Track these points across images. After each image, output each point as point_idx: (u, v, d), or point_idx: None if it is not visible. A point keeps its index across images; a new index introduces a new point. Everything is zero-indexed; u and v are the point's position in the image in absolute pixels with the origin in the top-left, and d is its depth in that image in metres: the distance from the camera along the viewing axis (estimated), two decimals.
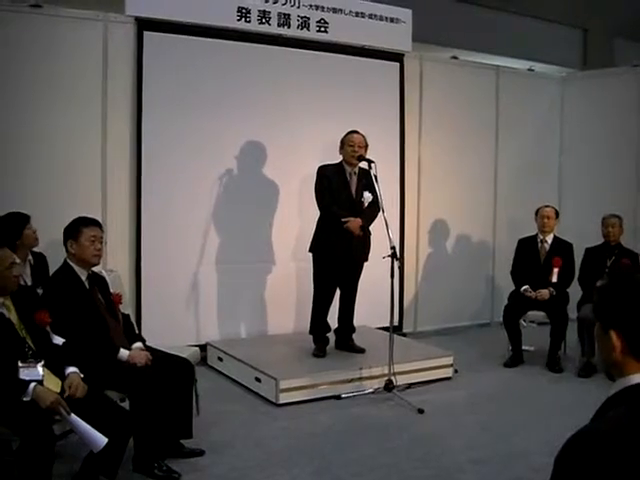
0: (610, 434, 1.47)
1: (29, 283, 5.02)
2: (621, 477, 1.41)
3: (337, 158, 6.22)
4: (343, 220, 5.96)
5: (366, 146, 6.15)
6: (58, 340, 3.94)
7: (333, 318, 6.45)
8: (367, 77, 7.59)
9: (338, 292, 6.40)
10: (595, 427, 1.54)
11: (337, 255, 6.09)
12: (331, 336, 6.46)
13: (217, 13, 6.70)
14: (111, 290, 4.60)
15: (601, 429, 1.51)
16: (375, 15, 7.55)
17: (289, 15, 7.04)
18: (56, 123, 6.19)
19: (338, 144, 6.22)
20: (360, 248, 6.16)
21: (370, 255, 6.24)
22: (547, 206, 7.15)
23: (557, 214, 7.15)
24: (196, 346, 5.83)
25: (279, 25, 7.00)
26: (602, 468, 1.42)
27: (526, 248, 7.13)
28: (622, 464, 1.42)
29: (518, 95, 8.75)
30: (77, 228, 4.31)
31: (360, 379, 5.88)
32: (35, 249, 5.32)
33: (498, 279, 8.48)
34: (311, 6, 7.15)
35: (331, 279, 6.24)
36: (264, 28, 6.93)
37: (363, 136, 6.17)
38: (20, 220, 5.10)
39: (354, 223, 5.98)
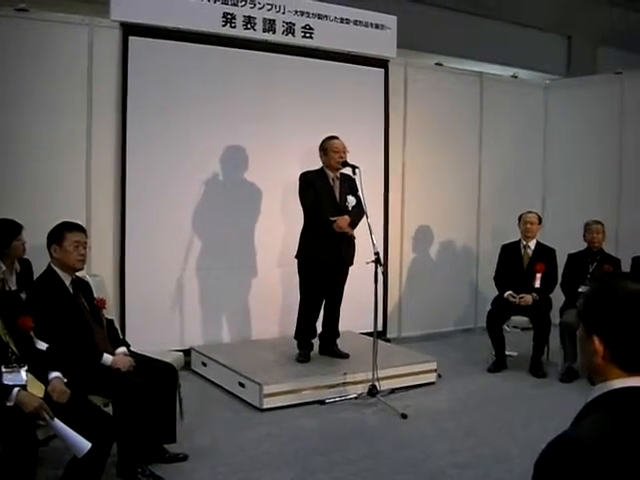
0: (588, 439, 1.48)
1: (14, 289, 5.00)
2: None
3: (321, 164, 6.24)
4: (332, 219, 5.98)
5: None
6: (41, 345, 3.94)
7: (317, 323, 6.46)
8: (352, 83, 7.61)
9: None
10: (573, 432, 1.55)
11: (324, 261, 6.10)
12: (315, 341, 6.47)
13: (202, 18, 6.70)
14: (95, 295, 4.59)
15: (579, 434, 1.52)
16: (360, 21, 7.57)
17: (274, 21, 7.06)
18: (41, 127, 6.17)
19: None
20: (346, 253, 6.18)
21: (354, 260, 6.25)
22: (530, 212, 7.19)
23: (540, 220, 7.19)
24: (180, 351, 5.82)
25: (264, 31, 7.02)
26: (580, 473, 1.44)
27: (509, 254, 7.16)
28: (600, 469, 1.43)
29: (502, 102, 8.80)
30: (61, 233, 4.30)
31: (344, 384, 5.89)
32: None
33: (481, 285, 8.52)
34: (296, 12, 7.17)
35: (318, 285, 6.24)
36: (249, 34, 6.95)
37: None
38: (11, 230, 5.06)
39: (342, 221, 5.99)
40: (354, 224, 6.11)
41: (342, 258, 6.16)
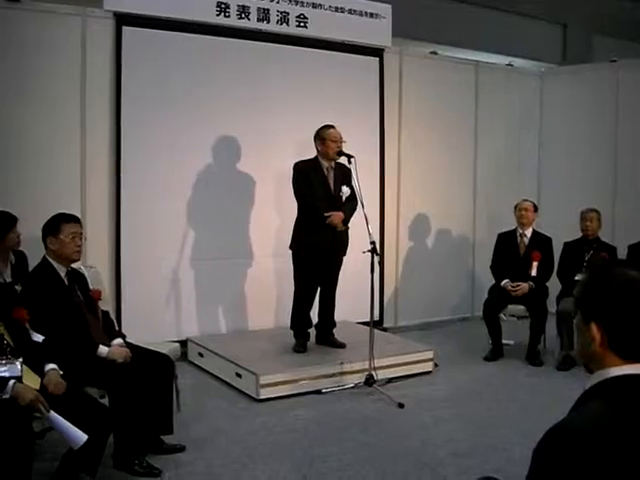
0: (586, 427, 1.48)
1: (9, 281, 4.98)
2: (596, 469, 1.43)
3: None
4: (326, 215, 5.97)
5: None
6: (37, 337, 3.93)
7: (313, 313, 6.45)
8: (347, 72, 7.59)
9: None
10: (572, 420, 1.55)
11: (318, 251, 6.09)
12: (312, 331, 6.47)
13: (196, 8, 6.68)
14: (90, 286, 4.57)
15: (578, 422, 1.52)
16: (355, 10, 7.55)
17: (268, 10, 7.03)
18: (33, 119, 6.14)
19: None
20: (340, 243, 6.17)
21: (350, 250, 6.26)
22: (526, 200, 7.21)
23: (536, 208, 7.19)
24: (176, 342, 5.82)
25: (258, 20, 6.99)
26: (578, 460, 1.44)
27: (505, 242, 7.16)
28: (597, 457, 1.43)
29: (497, 90, 8.78)
30: (57, 224, 4.28)
31: (341, 374, 5.89)
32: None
33: (478, 273, 8.53)
34: (290, 1, 7.14)
35: (312, 275, 6.24)
36: (243, 23, 6.92)
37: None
38: (6, 222, 5.04)
39: (336, 217, 6.00)
40: (347, 220, 6.11)
41: (336, 248, 6.16)
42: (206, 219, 6.93)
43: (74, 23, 6.32)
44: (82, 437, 3.47)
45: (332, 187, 6.14)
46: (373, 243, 5.65)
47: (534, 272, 6.90)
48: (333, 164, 6.19)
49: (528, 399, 5.73)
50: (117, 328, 4.81)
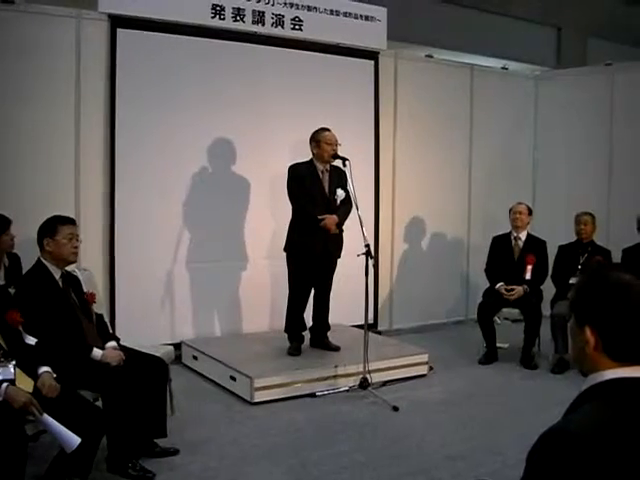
0: (581, 430, 1.48)
1: (2, 283, 4.96)
2: (591, 472, 1.43)
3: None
4: (319, 218, 5.97)
5: None
6: (30, 340, 3.91)
7: (308, 316, 6.44)
8: (342, 75, 7.58)
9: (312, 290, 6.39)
10: (566, 423, 1.55)
11: (312, 254, 6.09)
12: (306, 334, 6.46)
13: (191, 10, 6.67)
14: (84, 289, 4.56)
15: (572, 425, 1.52)
16: (350, 13, 7.55)
17: (263, 13, 7.02)
18: (28, 122, 6.12)
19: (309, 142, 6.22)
20: (334, 245, 6.17)
21: (345, 253, 6.25)
22: (520, 203, 7.21)
23: (530, 211, 7.19)
24: (170, 345, 5.80)
25: (253, 23, 6.99)
26: (573, 463, 1.44)
27: (500, 245, 7.16)
28: (592, 460, 1.43)
29: (492, 93, 8.79)
30: (54, 226, 4.27)
31: (335, 377, 5.89)
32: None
33: (472, 276, 8.52)
34: (286, 4, 7.14)
35: (306, 278, 6.23)
36: (238, 26, 6.91)
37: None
38: (0, 224, 5.04)
39: (330, 220, 5.99)
40: (341, 224, 6.10)
41: (330, 251, 6.15)
42: (201, 221, 6.91)
43: (69, 25, 6.31)
44: (75, 440, 3.46)
45: (327, 190, 6.13)
46: (368, 246, 5.64)
47: (528, 275, 6.89)
48: (328, 167, 6.18)
49: (522, 402, 5.73)
50: (111, 331, 4.80)
